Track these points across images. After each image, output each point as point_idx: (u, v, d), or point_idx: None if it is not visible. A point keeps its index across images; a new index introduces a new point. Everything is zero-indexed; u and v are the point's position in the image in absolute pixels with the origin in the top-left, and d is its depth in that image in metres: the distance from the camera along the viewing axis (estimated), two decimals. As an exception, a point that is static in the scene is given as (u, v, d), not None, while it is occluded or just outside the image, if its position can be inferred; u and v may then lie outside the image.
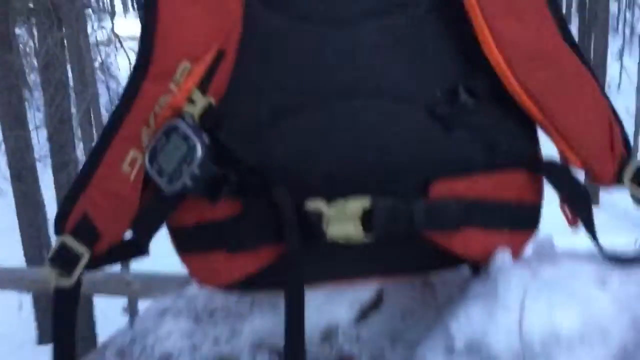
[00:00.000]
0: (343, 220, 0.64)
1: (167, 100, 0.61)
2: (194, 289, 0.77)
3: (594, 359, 0.56)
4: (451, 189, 0.65)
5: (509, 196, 0.67)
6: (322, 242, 0.65)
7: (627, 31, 9.49)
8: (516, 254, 0.69)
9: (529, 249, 0.76)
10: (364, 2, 0.65)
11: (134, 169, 0.63)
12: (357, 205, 0.64)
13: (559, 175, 0.67)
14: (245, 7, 0.64)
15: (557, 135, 0.66)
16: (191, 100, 0.62)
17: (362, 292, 0.75)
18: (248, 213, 0.64)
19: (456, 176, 0.65)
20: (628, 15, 9.73)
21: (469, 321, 0.60)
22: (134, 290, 1.39)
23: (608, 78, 7.99)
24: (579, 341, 0.57)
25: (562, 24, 0.67)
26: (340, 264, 0.69)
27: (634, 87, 7.80)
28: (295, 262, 0.64)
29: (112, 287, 1.44)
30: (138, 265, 1.21)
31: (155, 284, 1.30)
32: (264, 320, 0.71)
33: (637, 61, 7.92)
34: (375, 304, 0.76)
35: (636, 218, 6.71)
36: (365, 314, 0.74)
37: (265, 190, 0.63)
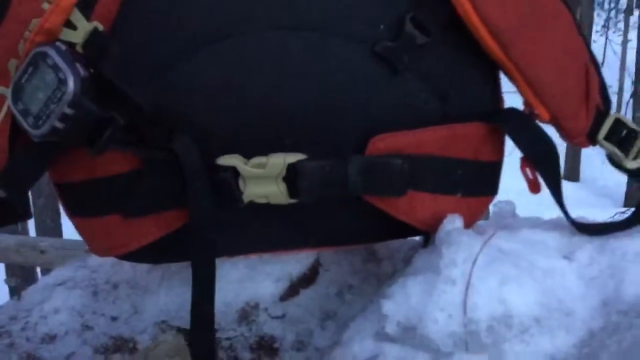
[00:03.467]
0: (263, 179, 0.53)
1: (39, 23, 0.49)
2: (98, 258, 0.66)
3: (553, 347, 0.46)
4: (395, 144, 0.54)
5: (464, 154, 0.56)
6: (240, 205, 0.54)
7: (613, 7, 9.39)
8: (470, 222, 0.59)
9: (485, 217, 0.66)
10: None
11: (0, 109, 0.51)
12: (279, 161, 0.53)
13: (521, 127, 0.56)
14: None
15: (523, 81, 0.55)
16: (70, 24, 0.50)
17: (293, 264, 0.64)
18: (146, 169, 0.53)
19: (401, 129, 0.54)
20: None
21: (406, 300, 0.49)
22: (47, 260, 1.26)
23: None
24: (535, 325, 0.47)
25: None
26: (266, 232, 0.58)
27: (618, 64, 7.74)
28: (201, 228, 0.53)
29: (25, 254, 1.30)
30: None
31: (73, 254, 1.17)
32: (172, 296, 0.60)
33: (621, 38, 7.86)
34: (309, 278, 0.65)
35: (616, 194, 6.70)
36: (295, 289, 0.63)
37: (166, 140, 0.51)
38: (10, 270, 2.99)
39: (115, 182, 0.54)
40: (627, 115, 7.00)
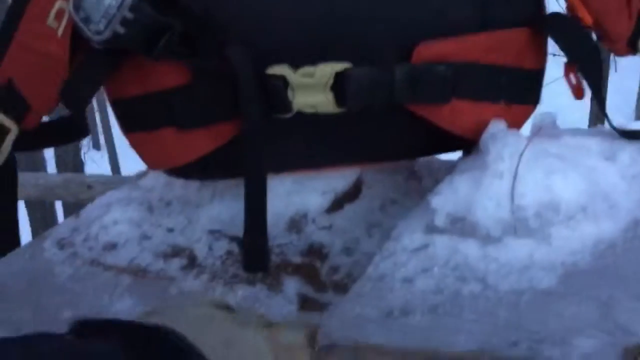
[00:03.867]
0: (311, 88, 0.55)
1: None
2: (150, 179, 0.69)
3: (599, 232, 0.48)
4: (438, 52, 0.55)
5: (506, 60, 0.58)
6: (288, 119, 0.56)
7: None
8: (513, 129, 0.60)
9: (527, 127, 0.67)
10: None
11: (61, 22, 0.54)
12: (327, 70, 0.54)
13: (565, 30, 0.57)
14: None
15: None
16: None
17: (338, 180, 0.66)
18: (199, 81, 0.55)
19: (444, 37, 0.55)
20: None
21: (454, 194, 0.51)
22: (94, 195, 1.30)
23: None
24: (581, 212, 0.48)
25: None
26: (312, 147, 0.60)
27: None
28: (255, 138, 0.55)
29: (72, 190, 1.34)
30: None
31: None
32: (224, 208, 0.62)
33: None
34: (352, 194, 0.67)
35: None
36: (339, 203, 0.66)
37: (218, 52, 0.53)
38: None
39: (169, 95, 0.56)
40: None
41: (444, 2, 0.55)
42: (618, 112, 7.55)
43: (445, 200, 0.51)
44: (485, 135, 0.55)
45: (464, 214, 0.49)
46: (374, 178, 0.69)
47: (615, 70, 7.62)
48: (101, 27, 0.50)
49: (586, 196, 0.49)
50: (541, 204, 0.48)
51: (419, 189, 0.69)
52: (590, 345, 0.37)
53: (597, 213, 0.49)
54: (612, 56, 7.22)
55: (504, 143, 0.52)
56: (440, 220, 0.50)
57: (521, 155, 0.50)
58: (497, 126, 0.56)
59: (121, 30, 0.50)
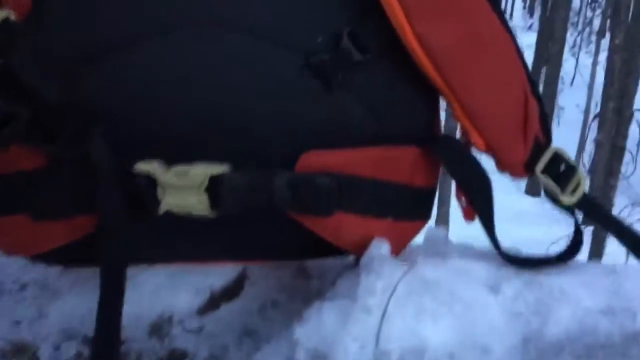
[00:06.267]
0: (183, 189, 0.50)
1: None
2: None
3: (464, 385, 0.45)
4: (324, 162, 0.52)
5: (396, 177, 0.54)
6: (156, 215, 0.51)
7: (587, 28, 9.57)
8: (400, 246, 0.57)
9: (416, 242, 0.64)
10: None
11: None
12: (202, 172, 0.50)
13: (454, 155, 0.55)
14: None
15: (458, 107, 0.54)
16: None
17: (217, 275, 0.61)
18: (55, 169, 0.49)
19: (332, 147, 0.52)
20: (588, 11, 9.81)
21: (320, 326, 0.47)
22: None
23: (562, 73, 8.04)
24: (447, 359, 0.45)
25: None
26: (187, 242, 0.56)
27: (586, 84, 7.89)
28: (111, 236, 0.49)
29: None
30: None
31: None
32: (82, 300, 0.56)
33: (592, 58, 8.00)
34: (232, 291, 0.62)
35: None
36: (216, 302, 0.61)
37: (76, 140, 0.48)
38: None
39: (23, 180, 0.51)
40: (590, 135, 7.12)
41: (336, 111, 0.52)
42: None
43: (310, 332, 0.47)
44: (364, 258, 0.52)
45: (325, 353, 0.45)
46: (259, 273, 0.64)
47: (559, 124, 7.89)
48: None
49: (456, 342, 0.46)
50: (406, 349, 0.45)
51: (306, 289, 0.64)
52: None
53: (465, 361, 0.46)
54: (555, 109, 7.49)
55: (378, 274, 0.48)
56: (300, 355, 0.46)
57: (393, 291, 0.47)
58: (377, 248, 0.52)
59: None
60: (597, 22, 8.97)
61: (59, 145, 0.48)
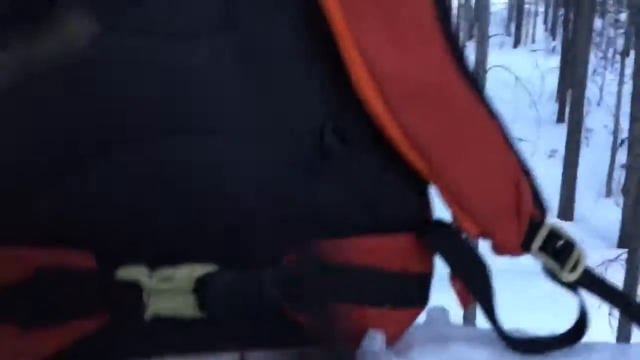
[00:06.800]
0: (169, 293, 0.50)
1: None
2: None
3: None
4: (316, 254, 0.51)
5: (390, 265, 0.54)
6: (143, 320, 0.51)
7: (611, 48, 9.48)
8: (397, 333, 0.56)
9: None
10: (205, 9, 0.49)
11: None
12: (187, 274, 0.50)
13: (448, 242, 0.54)
14: None
15: (448, 195, 0.53)
16: None
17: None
18: (38, 277, 0.50)
19: (322, 238, 0.51)
20: (611, 31, 9.71)
21: None
22: None
23: (589, 94, 7.95)
24: None
25: (458, 53, 0.53)
26: (179, 338, 0.55)
27: (613, 104, 7.77)
28: (97, 346, 0.49)
29: None
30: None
31: None
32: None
33: (617, 78, 7.90)
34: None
35: (611, 234, 6.66)
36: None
37: (61, 248, 0.49)
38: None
39: (6, 290, 0.51)
40: (622, 158, 6.98)
41: (326, 204, 0.51)
42: (589, 187, 7.68)
43: None
44: (358, 352, 0.51)
45: None
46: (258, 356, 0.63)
47: (587, 146, 7.77)
48: None
49: None
50: None
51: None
52: None
53: None
54: (583, 131, 7.39)
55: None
56: None
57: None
58: (371, 341, 0.52)
59: None
60: (620, 42, 8.87)
61: (45, 253, 0.49)
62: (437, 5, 0.51)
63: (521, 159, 0.56)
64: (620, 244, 6.24)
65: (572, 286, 0.58)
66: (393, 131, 0.50)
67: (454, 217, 0.54)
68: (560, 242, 0.57)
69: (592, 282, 0.58)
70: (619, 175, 7.12)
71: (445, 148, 0.51)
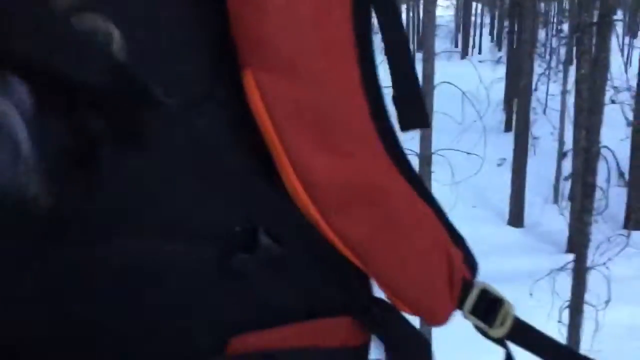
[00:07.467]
0: None
1: None
2: None
3: None
4: (256, 343, 0.50)
5: (331, 343, 0.54)
6: None
7: (554, 57, 9.77)
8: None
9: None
10: None
11: None
12: None
13: (385, 323, 0.55)
14: None
15: (381, 283, 0.53)
16: None
17: None
18: None
19: (264, 328, 0.51)
20: (554, 42, 10.03)
21: None
22: None
23: (534, 103, 8.18)
24: None
25: (395, 146, 0.52)
26: None
27: (558, 112, 8.02)
28: None
29: None
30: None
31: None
32: None
33: (560, 87, 8.16)
34: None
35: (560, 239, 6.86)
36: None
37: None
38: None
39: None
40: (567, 168, 7.16)
41: (264, 301, 0.51)
42: (537, 194, 7.88)
43: None
44: None
45: None
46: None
47: (535, 154, 7.99)
48: None
49: None
50: None
51: None
52: None
53: None
54: (530, 139, 7.57)
55: None
56: None
57: None
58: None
59: None
60: (563, 51, 9.16)
61: None
62: (370, 103, 0.51)
63: (452, 229, 0.57)
64: (569, 249, 6.42)
65: (501, 341, 0.59)
66: (326, 233, 0.50)
67: (389, 299, 0.55)
68: (490, 300, 0.59)
69: (522, 333, 0.60)
70: (566, 183, 7.35)
71: (378, 246, 0.52)
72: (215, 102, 0.48)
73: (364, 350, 0.58)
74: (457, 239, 0.58)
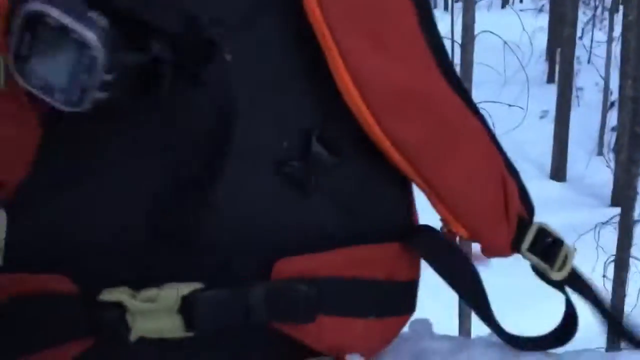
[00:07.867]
0: (154, 313, 0.49)
1: None
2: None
3: None
4: (300, 269, 0.50)
5: (376, 274, 0.53)
6: (127, 343, 0.50)
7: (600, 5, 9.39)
8: (383, 343, 0.56)
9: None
10: None
11: None
12: (172, 294, 0.49)
13: (436, 249, 0.53)
14: None
15: (436, 199, 0.52)
16: None
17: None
18: (13, 305, 0.49)
19: (308, 251, 0.50)
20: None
21: None
22: None
23: (578, 52, 7.89)
24: None
25: (444, 60, 0.51)
26: (172, 358, 0.55)
27: (603, 62, 7.73)
28: None
29: None
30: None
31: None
32: None
33: (606, 36, 7.84)
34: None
35: (603, 193, 6.69)
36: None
37: (34, 273, 0.48)
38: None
39: None
40: (613, 119, 6.96)
41: (312, 216, 0.51)
42: (581, 147, 7.66)
43: None
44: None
45: None
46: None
47: (579, 105, 7.75)
48: (73, 97, 0.41)
49: None
50: None
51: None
52: None
53: None
54: (574, 90, 7.35)
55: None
56: None
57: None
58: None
59: (103, 95, 0.41)
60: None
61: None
62: (419, 13, 0.51)
63: (507, 159, 0.55)
64: (613, 203, 6.26)
65: (560, 285, 0.57)
66: (379, 137, 0.50)
67: (443, 221, 0.53)
68: (549, 240, 0.57)
69: (578, 282, 0.58)
70: (611, 134, 7.12)
71: (432, 153, 0.51)
72: (271, 13, 0.48)
73: (410, 288, 0.56)
74: (512, 170, 0.56)
